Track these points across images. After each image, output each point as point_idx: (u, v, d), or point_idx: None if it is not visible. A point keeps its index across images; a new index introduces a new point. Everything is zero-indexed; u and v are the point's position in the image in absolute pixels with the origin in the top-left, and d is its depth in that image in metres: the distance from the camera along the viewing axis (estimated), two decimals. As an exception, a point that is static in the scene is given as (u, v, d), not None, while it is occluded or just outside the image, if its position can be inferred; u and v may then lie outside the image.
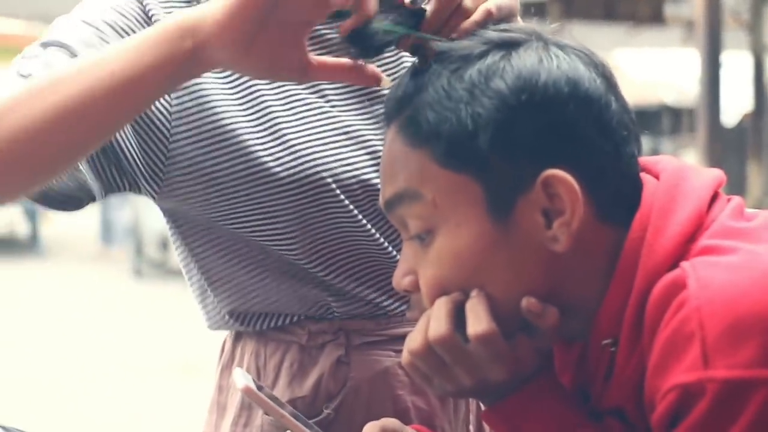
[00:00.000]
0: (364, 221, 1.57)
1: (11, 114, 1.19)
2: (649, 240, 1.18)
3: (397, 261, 1.54)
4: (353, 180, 1.56)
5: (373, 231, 1.58)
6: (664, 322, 1.12)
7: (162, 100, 1.51)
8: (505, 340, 1.20)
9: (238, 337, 1.67)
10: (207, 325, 1.68)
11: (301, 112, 1.56)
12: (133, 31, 1.49)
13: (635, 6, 16.20)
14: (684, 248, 1.17)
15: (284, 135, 1.54)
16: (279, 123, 1.54)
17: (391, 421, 1.37)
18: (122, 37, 1.48)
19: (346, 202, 1.56)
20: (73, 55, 1.43)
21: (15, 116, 1.19)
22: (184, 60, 1.19)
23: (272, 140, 1.53)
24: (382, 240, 1.59)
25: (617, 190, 1.21)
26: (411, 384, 1.61)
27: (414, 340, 1.22)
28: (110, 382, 7.13)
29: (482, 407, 1.32)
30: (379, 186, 1.45)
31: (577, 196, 1.17)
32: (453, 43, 1.24)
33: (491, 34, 1.23)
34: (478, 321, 1.18)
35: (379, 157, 1.51)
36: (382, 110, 1.42)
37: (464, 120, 1.18)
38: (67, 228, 15.44)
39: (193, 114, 1.53)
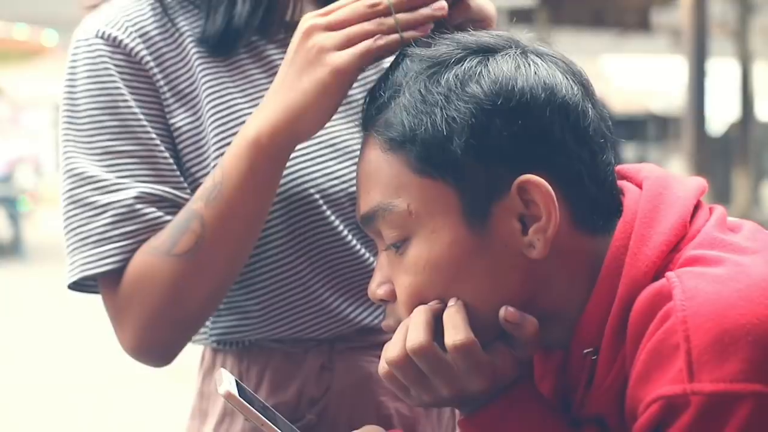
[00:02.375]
0: (350, 237, 1.56)
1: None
2: (632, 249, 1.17)
3: None
4: (341, 193, 1.56)
5: (359, 246, 1.57)
6: (648, 332, 1.11)
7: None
8: (484, 350, 1.19)
9: (216, 351, 1.65)
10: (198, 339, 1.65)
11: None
12: (131, 63, 1.53)
13: (622, 13, 16.24)
14: (668, 257, 1.16)
15: None
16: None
17: (374, 428, 1.34)
18: (127, 83, 1.52)
19: (332, 217, 1.55)
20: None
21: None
22: (275, 166, 1.42)
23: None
24: (368, 256, 1.58)
25: (594, 198, 1.20)
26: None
27: (392, 349, 1.21)
28: (96, 388, 7.11)
29: (458, 416, 1.30)
30: None
31: (552, 202, 1.16)
32: (431, 48, 1.23)
33: (469, 39, 1.22)
34: (456, 331, 1.17)
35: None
36: None
37: (439, 124, 1.17)
38: (50, 232, 15.40)
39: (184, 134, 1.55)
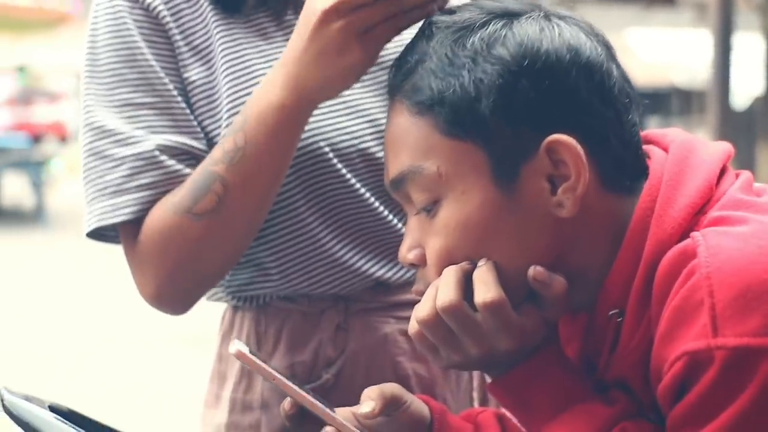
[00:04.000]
0: (363, 191, 1.58)
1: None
2: (658, 211, 1.18)
3: (398, 232, 1.58)
4: (352, 149, 1.58)
5: (373, 200, 1.59)
6: (673, 290, 1.12)
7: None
8: (513, 310, 1.19)
9: (237, 306, 1.67)
10: (210, 297, 1.69)
11: None
12: (149, 17, 1.57)
13: (647, -14, 16.16)
14: (693, 220, 1.17)
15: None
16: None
17: (391, 386, 1.35)
18: (146, 38, 1.57)
19: (344, 171, 1.57)
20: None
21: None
22: (298, 129, 1.45)
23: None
24: (382, 209, 1.60)
25: (620, 158, 1.21)
26: (412, 351, 1.62)
27: (422, 309, 1.21)
28: (115, 353, 7.14)
29: (487, 379, 1.32)
30: (380, 156, 1.53)
31: (581, 161, 1.17)
32: (455, 15, 1.24)
33: (493, 5, 1.24)
34: (486, 289, 1.18)
35: (379, 126, 1.57)
36: (383, 78, 1.50)
37: (467, 86, 1.18)
38: (73, 200, 15.45)
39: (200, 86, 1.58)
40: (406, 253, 1.26)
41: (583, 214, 1.18)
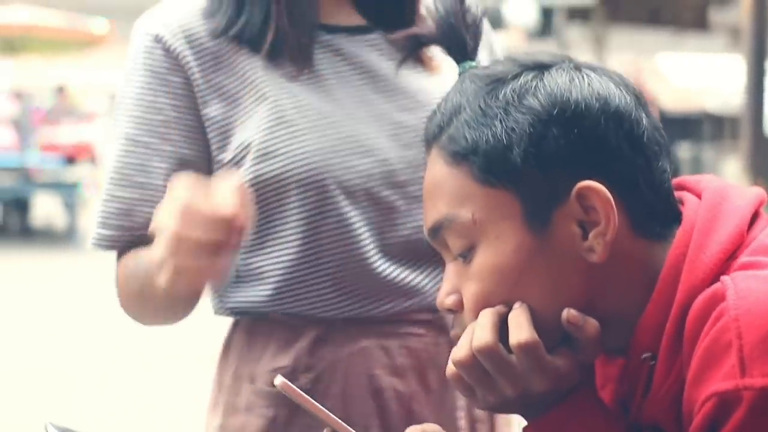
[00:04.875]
0: (360, 230, 1.66)
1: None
2: (690, 257, 1.20)
3: (382, 275, 1.67)
4: (358, 188, 1.65)
5: (367, 242, 1.66)
6: (703, 333, 1.14)
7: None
8: (548, 354, 1.22)
9: (236, 322, 1.79)
10: (214, 310, 1.81)
11: (314, 119, 1.65)
12: (166, 69, 1.69)
13: (680, 11, 16.14)
14: (725, 265, 1.19)
15: (296, 140, 1.64)
16: (295, 130, 1.65)
17: (433, 427, 1.39)
18: (159, 77, 1.69)
19: (347, 209, 1.65)
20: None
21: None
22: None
23: (285, 146, 1.65)
24: (372, 252, 1.67)
25: (650, 204, 1.23)
26: (389, 365, 1.70)
27: (459, 350, 1.24)
28: (144, 371, 7.17)
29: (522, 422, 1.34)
30: (385, 196, 1.64)
31: (611, 207, 1.19)
32: (489, 68, 1.29)
33: (525, 58, 1.28)
34: (520, 330, 1.20)
35: (390, 166, 1.66)
36: (400, 119, 1.66)
37: (499, 135, 1.22)
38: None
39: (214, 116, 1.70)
40: (444, 298, 1.29)
41: (614, 258, 1.21)
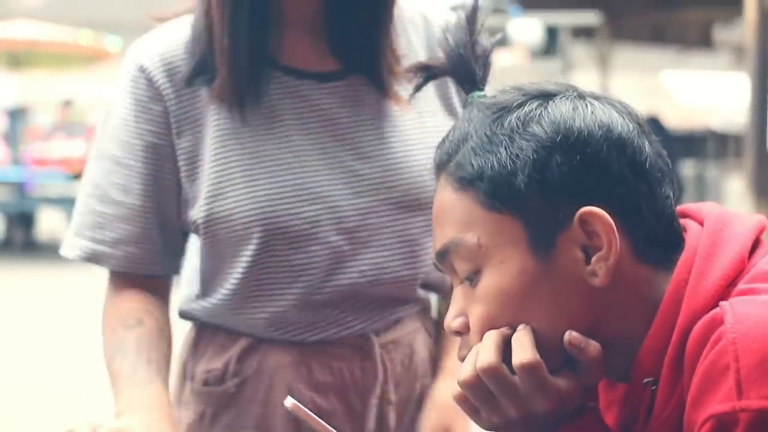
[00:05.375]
0: (305, 271, 1.76)
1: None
2: (692, 283, 1.22)
3: (320, 314, 1.77)
4: (306, 235, 1.74)
5: (310, 283, 1.76)
6: (702, 356, 1.16)
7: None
8: (550, 375, 1.24)
9: (191, 327, 1.92)
10: (178, 311, 1.92)
11: (267, 165, 1.74)
12: (148, 97, 1.78)
13: (684, 29, 16.14)
14: (725, 292, 1.21)
15: (246, 184, 1.74)
16: (247, 175, 1.74)
17: None
18: (142, 105, 1.79)
19: (292, 254, 1.75)
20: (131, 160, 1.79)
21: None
22: None
23: (237, 190, 1.74)
24: (314, 292, 1.77)
25: (653, 229, 1.26)
26: (310, 381, 1.81)
27: (464, 371, 1.26)
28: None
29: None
30: (334, 241, 1.74)
31: (613, 232, 1.22)
32: (495, 97, 1.31)
33: (530, 87, 1.31)
34: (523, 352, 1.23)
35: (339, 212, 1.75)
36: (348, 163, 1.74)
37: (504, 162, 1.25)
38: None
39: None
40: (451, 321, 1.31)
41: (616, 283, 1.23)
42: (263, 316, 1.79)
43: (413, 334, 1.90)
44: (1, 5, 20.01)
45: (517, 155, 1.24)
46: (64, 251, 1.86)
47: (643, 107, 17.62)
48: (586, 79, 14.81)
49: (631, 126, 1.27)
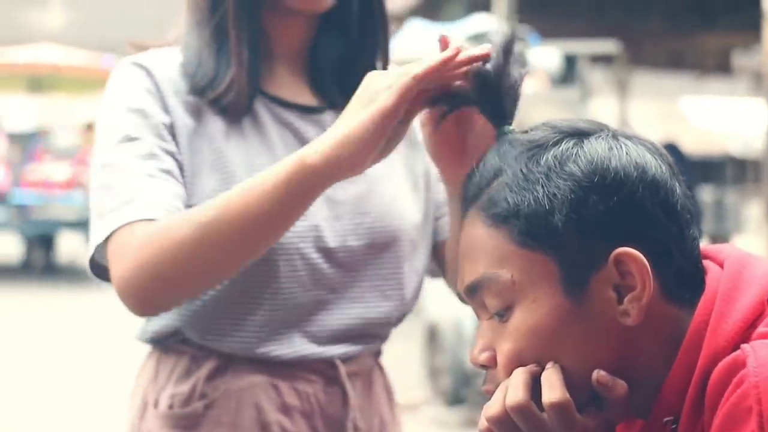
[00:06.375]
0: (288, 283, 1.80)
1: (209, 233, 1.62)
2: (713, 324, 1.24)
3: (291, 325, 1.80)
4: (292, 248, 1.79)
5: (290, 294, 1.80)
6: (724, 398, 1.17)
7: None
8: (578, 412, 1.25)
9: (150, 353, 1.93)
10: (136, 335, 1.92)
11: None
12: (158, 88, 1.81)
13: (703, 55, 16.11)
14: (745, 333, 1.23)
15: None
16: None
17: None
18: (154, 96, 1.81)
19: (278, 264, 1.78)
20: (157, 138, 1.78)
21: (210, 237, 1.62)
22: (311, 187, 1.57)
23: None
24: (290, 304, 1.80)
25: (681, 270, 1.27)
26: (278, 403, 1.84)
27: (492, 407, 1.27)
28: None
29: None
30: (312, 258, 1.77)
31: (647, 273, 1.23)
32: (528, 134, 1.32)
33: (563, 125, 1.31)
34: (552, 390, 1.24)
35: (320, 232, 1.80)
36: (332, 192, 1.76)
37: (541, 200, 1.25)
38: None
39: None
40: (478, 354, 1.32)
41: (645, 322, 1.25)
42: (240, 324, 1.80)
43: (371, 368, 1.95)
44: (22, 29, 20.12)
45: (554, 194, 1.25)
46: (90, 249, 1.75)
47: (661, 133, 17.60)
48: (604, 105, 14.81)
49: (663, 167, 1.28)
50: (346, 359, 1.87)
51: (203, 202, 1.68)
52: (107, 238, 1.71)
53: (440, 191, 1.95)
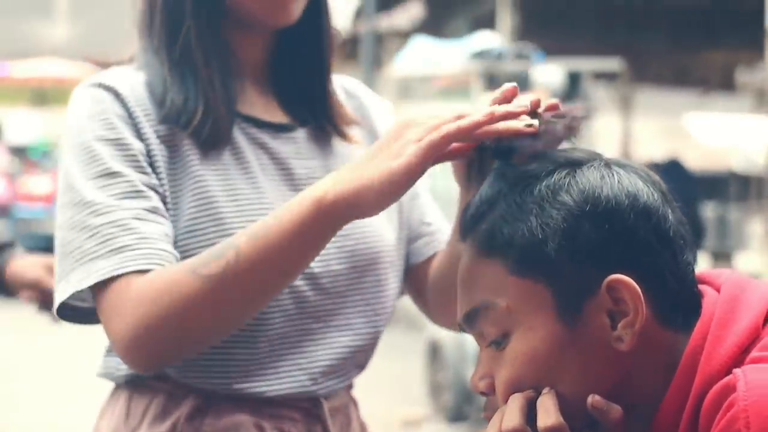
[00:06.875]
0: (271, 313, 1.71)
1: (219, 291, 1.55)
2: (707, 348, 1.25)
3: (274, 360, 1.72)
4: None
5: (273, 325, 1.72)
6: (715, 422, 1.19)
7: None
8: None
9: (116, 390, 1.82)
10: (99, 372, 1.82)
11: (243, 204, 1.71)
12: (129, 113, 1.71)
13: (706, 72, 16.14)
14: (739, 358, 1.24)
15: (223, 221, 1.69)
16: (222, 212, 1.70)
17: None
18: (126, 122, 1.70)
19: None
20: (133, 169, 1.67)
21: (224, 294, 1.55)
22: (327, 229, 1.52)
23: (213, 226, 1.69)
24: (274, 335, 1.73)
25: (675, 295, 1.29)
26: None
27: None
28: None
29: None
30: (297, 284, 1.70)
31: (639, 299, 1.25)
32: (523, 166, 1.33)
33: (557, 156, 1.33)
34: (547, 415, 1.25)
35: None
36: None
37: (535, 230, 1.27)
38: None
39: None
40: (477, 382, 1.34)
41: (640, 347, 1.26)
42: (214, 360, 1.72)
43: (348, 402, 1.89)
44: (27, 43, 20.18)
45: (547, 224, 1.27)
46: (60, 295, 1.64)
47: (665, 149, 17.61)
48: (608, 122, 14.82)
49: (655, 195, 1.30)
50: (328, 395, 1.81)
51: (200, 250, 1.63)
52: (94, 286, 1.62)
53: (414, 210, 1.93)
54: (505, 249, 1.29)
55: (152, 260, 1.61)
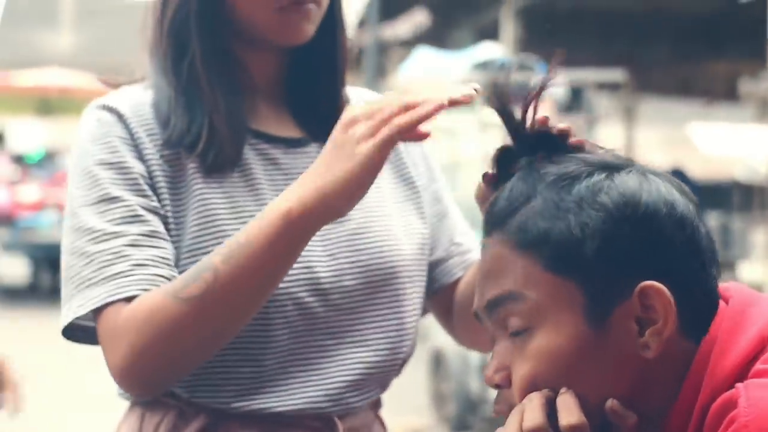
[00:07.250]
0: (279, 331, 1.71)
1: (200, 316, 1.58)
2: (713, 361, 1.26)
3: (285, 376, 1.70)
4: (283, 294, 1.70)
5: (282, 343, 1.71)
6: None
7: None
8: None
9: (130, 408, 1.82)
10: (117, 391, 1.81)
11: (247, 222, 1.66)
12: (131, 135, 1.72)
13: (710, 82, 16.13)
14: (744, 369, 1.25)
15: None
16: (225, 231, 1.70)
17: None
18: (128, 144, 1.71)
19: (270, 312, 1.70)
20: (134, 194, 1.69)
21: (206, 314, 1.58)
22: (298, 241, 1.56)
23: (216, 244, 1.67)
24: (284, 352, 1.72)
25: (699, 307, 1.30)
26: None
27: (508, 430, 1.29)
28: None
29: None
30: (308, 302, 1.68)
31: (671, 308, 1.26)
32: (559, 164, 1.33)
33: (593, 158, 1.34)
34: (570, 413, 1.26)
35: (315, 275, 1.73)
36: (327, 228, 1.68)
37: (573, 228, 1.28)
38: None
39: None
40: (493, 374, 1.34)
41: (662, 356, 1.27)
42: (224, 378, 1.72)
43: (371, 424, 1.86)
44: (31, 52, 20.20)
45: (586, 223, 1.28)
46: (64, 319, 1.68)
47: (668, 159, 17.61)
48: (611, 131, 14.82)
49: (690, 206, 1.31)
50: (345, 414, 1.78)
51: (184, 265, 1.66)
52: (94, 311, 1.65)
53: (443, 231, 1.93)
54: (540, 244, 1.29)
55: (142, 286, 1.63)
